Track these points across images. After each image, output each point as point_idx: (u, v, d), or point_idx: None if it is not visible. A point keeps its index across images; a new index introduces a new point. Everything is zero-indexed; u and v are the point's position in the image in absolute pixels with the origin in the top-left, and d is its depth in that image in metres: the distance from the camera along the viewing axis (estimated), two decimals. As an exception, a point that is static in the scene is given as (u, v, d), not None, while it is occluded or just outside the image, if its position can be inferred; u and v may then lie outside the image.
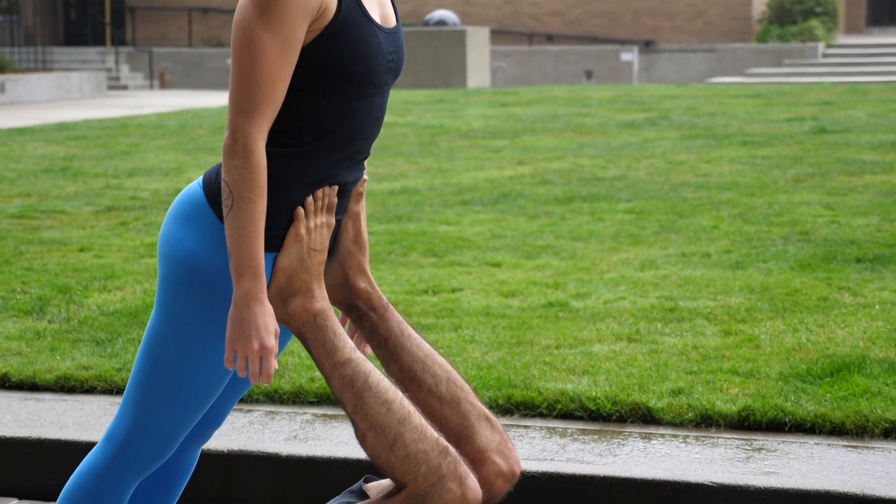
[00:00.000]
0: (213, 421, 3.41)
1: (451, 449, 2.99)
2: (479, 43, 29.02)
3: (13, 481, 4.79)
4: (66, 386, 5.19)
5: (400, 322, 3.21)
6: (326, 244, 3.09)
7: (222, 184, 2.94)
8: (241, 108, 2.94)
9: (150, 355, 3.11)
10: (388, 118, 19.20)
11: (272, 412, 4.90)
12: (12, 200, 10.38)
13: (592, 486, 4.20)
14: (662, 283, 6.68)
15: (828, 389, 4.77)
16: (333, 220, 3.11)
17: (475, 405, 3.18)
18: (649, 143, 13.85)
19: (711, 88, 24.35)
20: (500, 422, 4.43)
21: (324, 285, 3.10)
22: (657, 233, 8.24)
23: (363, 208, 3.25)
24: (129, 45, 36.91)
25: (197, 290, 3.05)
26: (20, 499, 4.73)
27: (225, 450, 4.54)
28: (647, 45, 34.37)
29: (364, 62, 3.03)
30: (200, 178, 3.08)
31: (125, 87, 32.35)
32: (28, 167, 12.93)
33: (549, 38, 35.19)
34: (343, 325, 3.20)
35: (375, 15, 3.09)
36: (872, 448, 4.35)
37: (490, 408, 4.64)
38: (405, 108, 19.67)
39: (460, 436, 3.11)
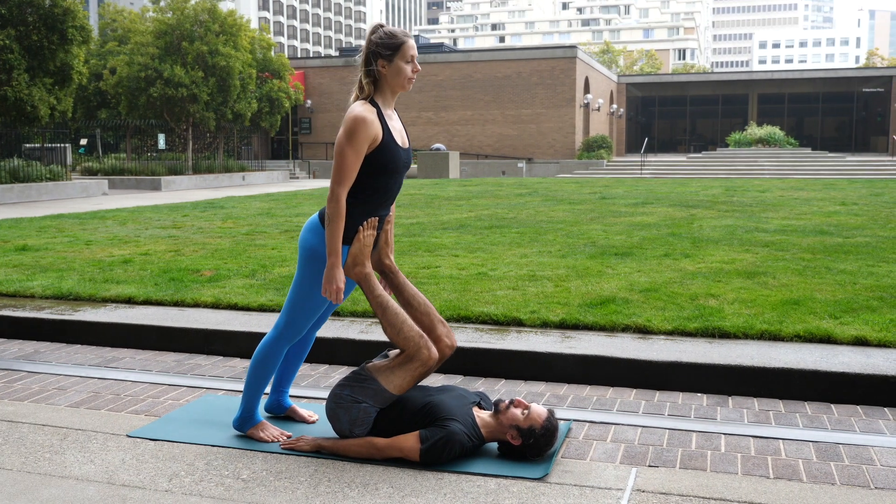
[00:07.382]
0: (320, 321, 3.44)
1: (424, 335, 3.03)
2: (454, 158, 29.45)
3: (242, 349, 4.64)
4: (263, 308, 5.25)
5: (404, 279, 3.22)
6: (372, 243, 3.08)
7: (326, 213, 3.00)
8: (336, 181, 2.97)
9: (294, 291, 3.14)
10: (412, 191, 19.01)
11: (353, 320, 4.95)
12: (244, 227, 10.56)
13: (493, 354, 4.28)
14: (529, 264, 6.81)
15: (598, 310, 4.93)
16: (376, 233, 3.12)
17: (436, 316, 3.17)
18: (527, 203, 13.95)
19: (557, 180, 24.46)
20: (450, 324, 4.55)
21: (370, 262, 3.10)
22: (529, 242, 8.39)
23: (392, 227, 3.24)
24: (300, 158, 37.20)
25: (312, 262, 3.08)
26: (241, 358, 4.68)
27: (331, 336, 4.57)
28: (529, 160, 34.54)
29: (392, 163, 3.05)
30: (318, 211, 3.12)
31: (297, 178, 31.91)
32: (251, 212, 12.94)
33: (486, 156, 35.59)
34: (379, 281, 3.24)
35: (399, 141, 3.09)
36: (616, 335, 4.50)
37: (448, 318, 4.84)
38: (420, 186, 19.76)
39: (428, 330, 3.13)
